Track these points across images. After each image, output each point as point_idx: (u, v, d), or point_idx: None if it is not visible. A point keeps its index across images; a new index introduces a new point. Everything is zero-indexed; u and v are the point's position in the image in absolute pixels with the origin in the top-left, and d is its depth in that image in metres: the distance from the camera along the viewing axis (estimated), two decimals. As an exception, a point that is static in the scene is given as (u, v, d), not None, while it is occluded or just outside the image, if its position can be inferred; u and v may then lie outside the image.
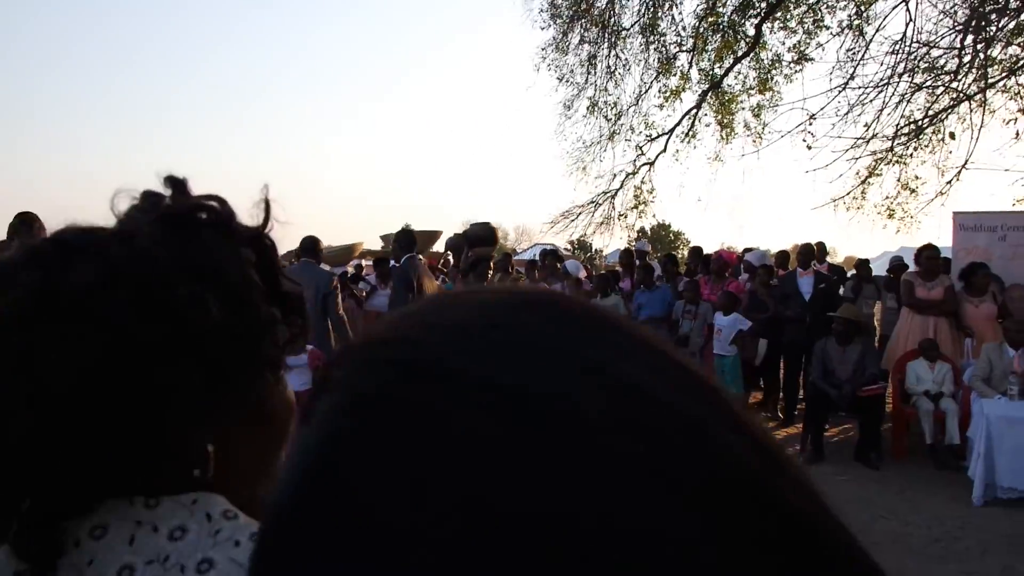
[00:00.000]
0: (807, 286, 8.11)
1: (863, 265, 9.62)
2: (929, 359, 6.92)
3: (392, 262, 7.93)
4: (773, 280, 8.59)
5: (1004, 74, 8.61)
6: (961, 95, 8.43)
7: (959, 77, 8.42)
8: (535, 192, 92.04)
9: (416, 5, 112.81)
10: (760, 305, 8.34)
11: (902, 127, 8.85)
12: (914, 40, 8.81)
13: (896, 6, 9.16)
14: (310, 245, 6.90)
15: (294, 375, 4.31)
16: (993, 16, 8.37)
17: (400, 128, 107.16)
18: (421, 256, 7.28)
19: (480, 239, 7.93)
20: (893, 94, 8.85)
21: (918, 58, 8.71)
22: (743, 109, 11.62)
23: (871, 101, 8.96)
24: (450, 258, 10.35)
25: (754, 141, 11.15)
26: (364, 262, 11.88)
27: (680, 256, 11.83)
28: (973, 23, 8.17)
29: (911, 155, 9.52)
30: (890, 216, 10.08)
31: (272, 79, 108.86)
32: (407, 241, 6.90)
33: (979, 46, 8.14)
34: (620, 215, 12.16)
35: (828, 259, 10.98)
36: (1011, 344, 6.38)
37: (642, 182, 11.74)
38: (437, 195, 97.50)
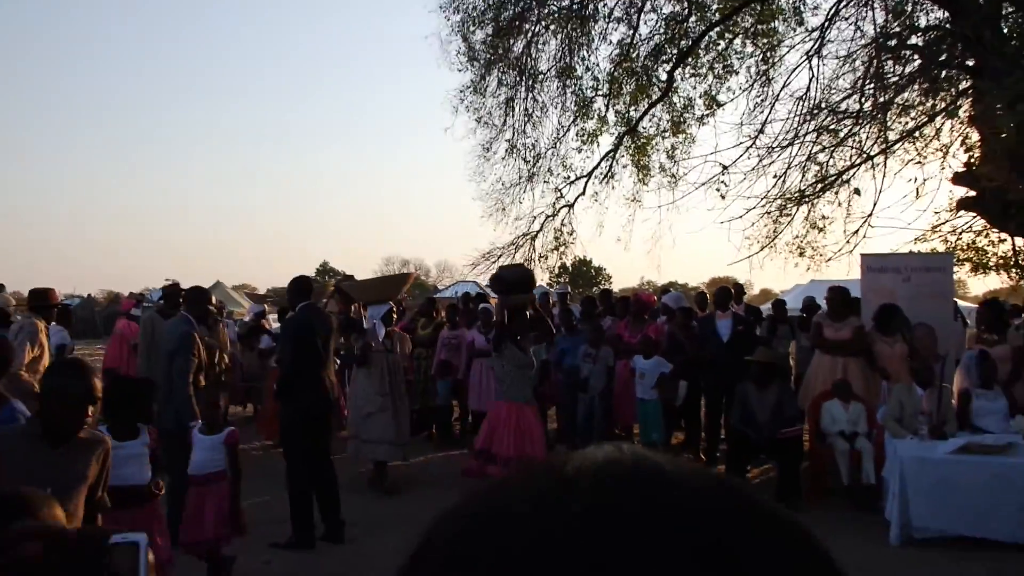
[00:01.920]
0: (725, 328, 8.22)
1: (778, 306, 9.87)
2: (843, 399, 7.07)
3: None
4: (692, 322, 8.70)
5: (904, 133, 9.05)
6: (864, 154, 8.80)
7: (861, 130, 8.80)
8: (457, 227, 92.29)
9: (334, 39, 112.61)
10: (679, 347, 8.43)
11: (808, 185, 9.18)
12: (817, 98, 9.21)
13: (799, 65, 9.58)
14: (171, 293, 6.47)
15: (133, 464, 3.97)
16: (889, 64, 8.82)
17: (313, 163, 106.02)
18: (324, 303, 6.69)
19: (515, 284, 6.76)
20: (798, 152, 9.20)
21: (821, 117, 9.08)
22: (658, 151, 11.90)
23: (778, 159, 9.29)
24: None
25: (669, 184, 11.38)
26: (268, 310, 11.59)
27: (597, 294, 11.91)
28: (872, 70, 8.58)
29: (818, 197, 9.90)
30: (800, 255, 10.40)
31: (186, 113, 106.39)
32: (300, 288, 6.02)
33: (879, 95, 8.54)
34: (541, 256, 12.16)
35: (744, 294, 11.24)
36: (919, 384, 6.58)
37: (562, 224, 11.82)
38: (355, 232, 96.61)
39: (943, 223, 9.44)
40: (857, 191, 8.90)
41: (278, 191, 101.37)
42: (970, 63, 8.39)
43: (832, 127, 9.12)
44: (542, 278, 12.73)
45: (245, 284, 69.77)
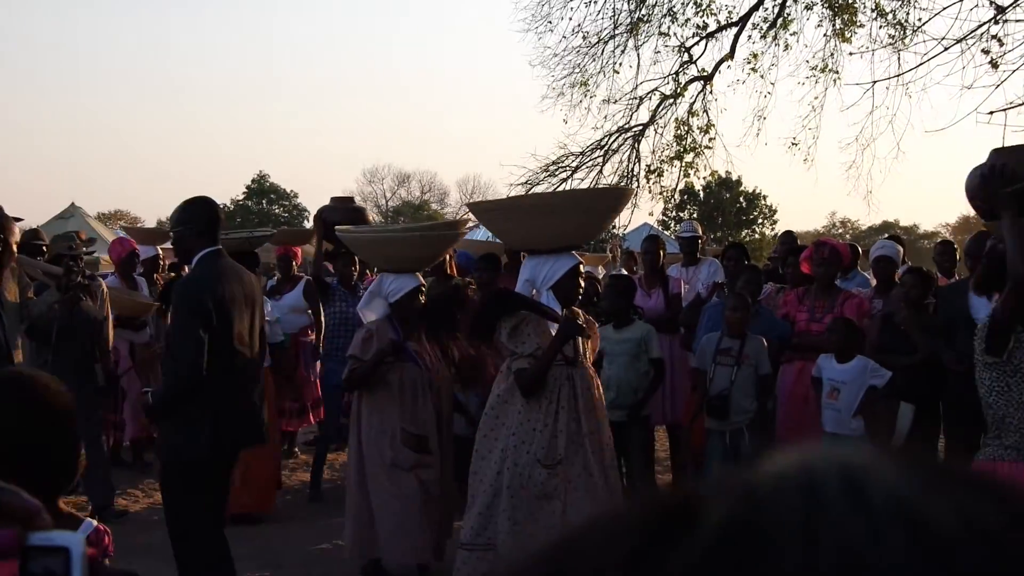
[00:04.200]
0: (987, 307, 7.99)
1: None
2: None
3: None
4: (926, 297, 8.55)
5: None
6: None
7: None
8: (497, 119, 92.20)
9: None
10: (900, 342, 8.30)
11: None
12: None
13: None
14: None
15: None
16: None
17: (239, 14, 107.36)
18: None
19: None
20: None
21: None
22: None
23: None
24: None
25: (892, 40, 11.06)
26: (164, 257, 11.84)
27: (761, 240, 11.66)
28: None
29: None
30: None
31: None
32: (198, 218, 6.07)
33: None
34: (651, 170, 12.04)
35: None
36: None
37: (690, 112, 11.64)
38: (309, 129, 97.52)
39: None
40: None
41: (178, 65, 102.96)
42: None
43: None
44: (652, 209, 12.53)
45: (119, 212, 70.70)
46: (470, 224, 9.75)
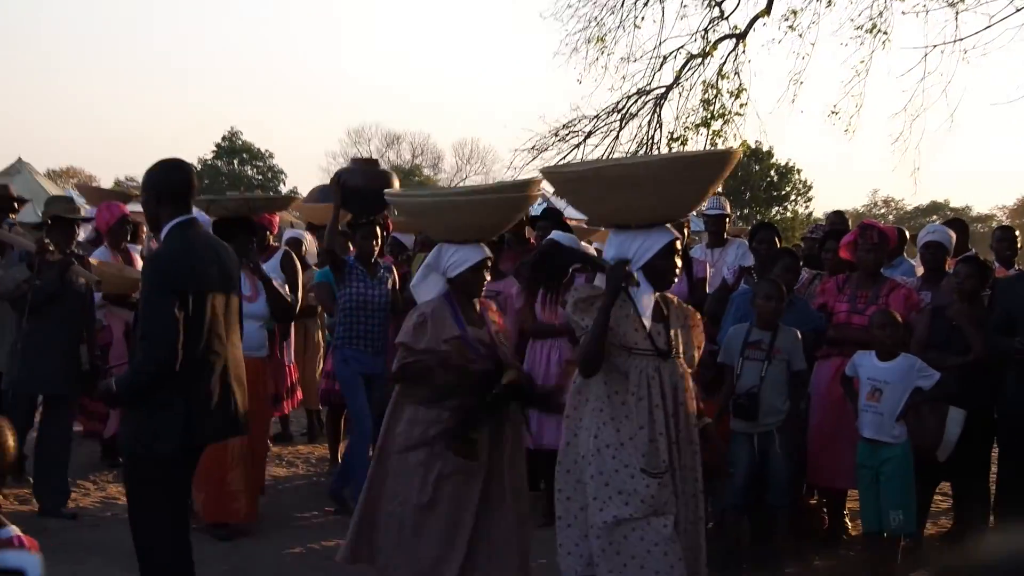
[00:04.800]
0: None
1: None
2: None
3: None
4: (982, 287, 8.44)
5: None
6: None
7: None
8: (498, 84, 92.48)
9: None
10: (951, 338, 8.21)
11: None
12: None
13: None
14: None
15: None
16: None
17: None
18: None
19: None
20: None
21: None
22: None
23: None
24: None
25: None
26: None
27: (793, 219, 11.44)
28: None
29: None
30: None
31: None
32: (166, 184, 5.94)
33: None
34: (673, 138, 12.01)
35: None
36: None
37: (720, 73, 11.50)
38: (287, 83, 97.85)
39: None
40: None
41: (140, 9, 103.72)
42: None
43: None
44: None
45: (72, 169, 71.06)
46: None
